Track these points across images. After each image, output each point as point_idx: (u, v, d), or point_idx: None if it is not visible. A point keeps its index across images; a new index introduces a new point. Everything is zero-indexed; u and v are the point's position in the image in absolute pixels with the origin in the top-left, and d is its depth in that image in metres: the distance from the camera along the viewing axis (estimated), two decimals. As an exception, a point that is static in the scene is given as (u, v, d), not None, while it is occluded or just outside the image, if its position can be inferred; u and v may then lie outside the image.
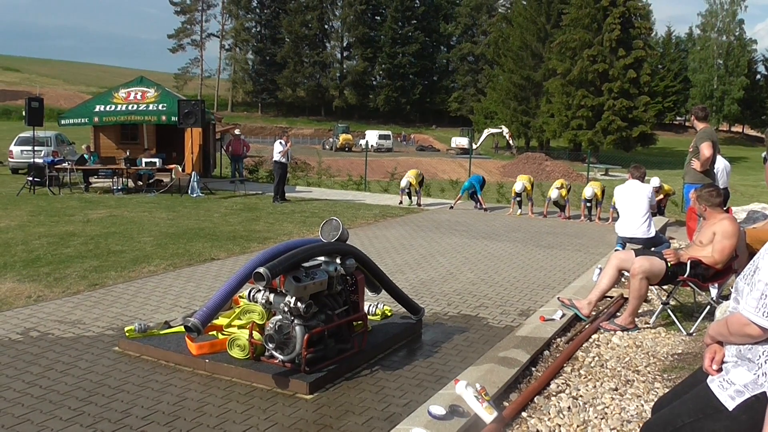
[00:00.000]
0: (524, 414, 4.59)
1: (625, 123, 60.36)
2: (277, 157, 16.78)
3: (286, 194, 17.19)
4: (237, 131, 23.80)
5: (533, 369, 5.49)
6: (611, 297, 7.52)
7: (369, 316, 6.18)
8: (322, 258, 5.65)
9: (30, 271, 8.36)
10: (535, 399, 4.84)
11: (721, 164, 9.86)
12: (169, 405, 4.69)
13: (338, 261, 5.68)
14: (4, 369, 5.24)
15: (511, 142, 67.20)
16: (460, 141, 66.03)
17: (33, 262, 8.89)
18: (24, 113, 18.00)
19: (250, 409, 4.67)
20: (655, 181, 10.86)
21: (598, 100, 61.12)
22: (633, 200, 9.06)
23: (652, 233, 9.02)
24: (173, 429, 4.31)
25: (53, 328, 6.29)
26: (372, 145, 55.44)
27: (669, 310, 6.69)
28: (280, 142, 16.78)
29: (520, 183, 15.49)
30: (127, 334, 5.84)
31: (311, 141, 71.32)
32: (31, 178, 17.07)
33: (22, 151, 21.88)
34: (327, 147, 61.66)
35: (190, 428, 4.34)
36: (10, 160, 22.80)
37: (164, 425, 4.38)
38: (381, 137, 65.36)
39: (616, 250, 8.88)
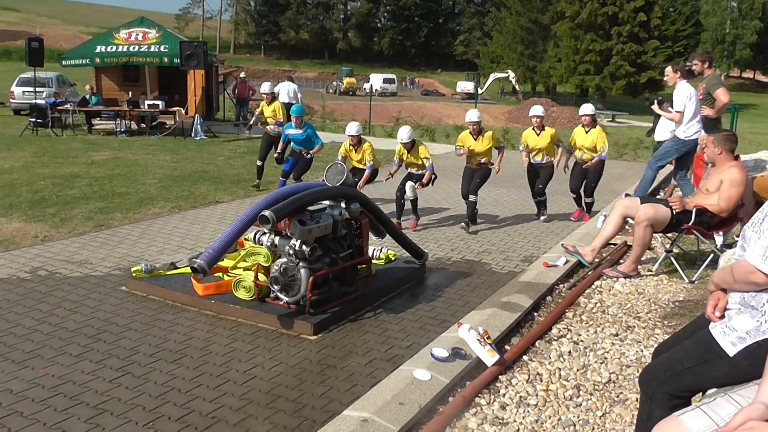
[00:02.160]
0: (525, 357, 4.66)
1: (634, 68, 59.38)
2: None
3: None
4: (242, 74, 23.50)
5: (535, 314, 5.55)
6: (615, 244, 7.54)
7: (373, 260, 6.22)
8: (327, 202, 5.65)
9: (36, 211, 8.39)
10: (537, 343, 4.91)
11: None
12: (176, 344, 4.77)
13: (343, 205, 5.68)
14: (13, 306, 5.32)
15: (517, 87, 66.31)
16: (466, 85, 65.17)
17: (38, 202, 8.91)
18: (25, 54, 17.76)
19: (255, 348, 4.75)
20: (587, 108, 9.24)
21: (606, 44, 59.94)
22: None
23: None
24: (180, 367, 4.40)
25: (61, 268, 6.36)
26: (376, 89, 54.76)
27: (672, 258, 6.72)
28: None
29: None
30: (133, 274, 5.91)
31: (315, 84, 70.45)
32: (33, 120, 16.96)
33: (23, 92, 21.67)
34: (331, 91, 60.95)
35: (196, 366, 4.43)
36: (11, 101, 22.61)
37: (171, 363, 4.46)
38: (385, 81, 64.50)
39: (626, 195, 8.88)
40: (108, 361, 4.44)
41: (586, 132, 8.89)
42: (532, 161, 9.11)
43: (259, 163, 10.69)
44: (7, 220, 7.93)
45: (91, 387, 4.08)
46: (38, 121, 16.91)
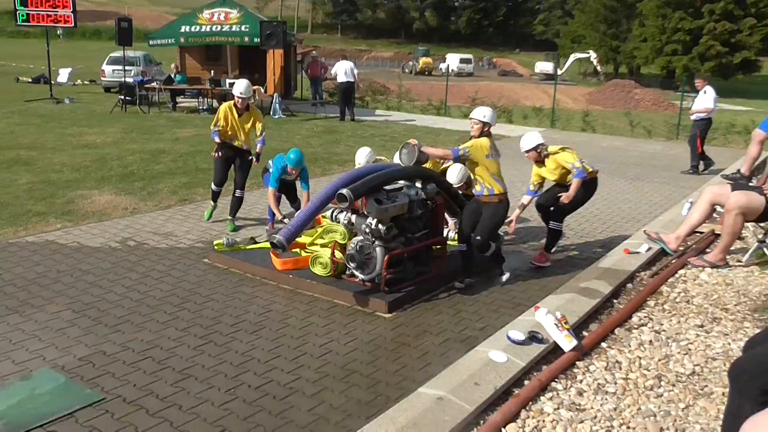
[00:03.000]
0: (604, 345, 4.55)
1: (726, 48, 56.25)
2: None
3: (364, 117, 17.20)
4: (314, 53, 23.73)
5: (615, 301, 5.40)
6: (701, 232, 7.23)
7: (448, 242, 6.20)
8: (403, 182, 5.66)
9: (125, 185, 8.78)
10: (616, 331, 4.78)
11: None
12: (255, 315, 4.92)
13: (419, 185, 5.68)
14: (105, 274, 5.61)
15: (598, 68, 64.11)
16: (545, 66, 63.55)
17: (128, 176, 9.32)
18: (114, 33, 18.49)
19: (331, 323, 4.84)
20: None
21: (697, 23, 56.96)
22: None
23: None
24: (259, 338, 4.54)
25: (148, 239, 6.65)
26: (453, 69, 54.15)
27: (765, 249, 6.39)
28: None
29: None
30: (216, 247, 6.11)
31: (390, 64, 70.36)
32: (122, 97, 17.69)
33: (113, 70, 22.62)
34: (407, 71, 60.73)
35: (274, 338, 4.55)
36: (102, 79, 23.65)
37: (251, 333, 4.61)
38: (462, 61, 63.68)
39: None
40: (192, 329, 4.63)
41: (541, 167, 6.38)
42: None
43: None
44: (100, 192, 8.34)
45: (177, 353, 4.27)
46: (127, 98, 17.62)
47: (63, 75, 25.77)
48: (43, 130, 13.25)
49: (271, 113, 17.15)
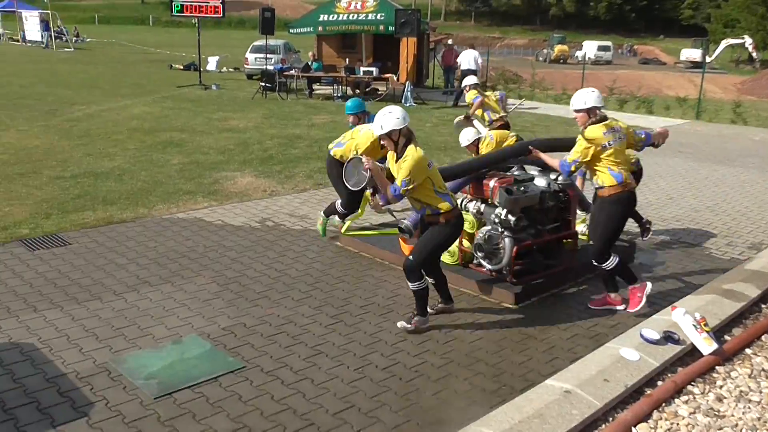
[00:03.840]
0: (749, 351, 4.28)
1: None
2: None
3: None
4: (449, 41, 23.66)
5: (762, 306, 5.04)
6: None
7: (580, 236, 6.04)
8: (535, 172, 5.59)
9: (265, 168, 9.27)
10: (763, 337, 4.47)
11: None
12: (383, 299, 5.07)
13: (552, 176, 5.57)
14: (246, 251, 5.99)
15: (754, 54, 59.06)
16: (692, 53, 59.40)
17: (267, 160, 9.83)
18: (258, 22, 19.45)
19: (457, 311, 4.88)
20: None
21: None
22: None
23: None
24: (387, 321, 4.67)
25: (285, 220, 7.01)
26: (589, 57, 51.93)
27: None
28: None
29: None
30: (342, 231, 6.31)
31: (524, 52, 68.70)
32: (263, 84, 18.59)
33: (255, 58, 23.79)
34: (540, 58, 59.01)
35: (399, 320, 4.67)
36: (245, 66, 24.94)
37: (379, 316, 4.76)
38: (600, 48, 60.90)
39: None
40: (324, 308, 4.85)
41: None
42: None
43: None
44: (242, 174, 8.87)
45: (310, 330, 4.50)
46: (267, 85, 18.49)
47: (212, 63, 27.42)
48: (193, 114, 14.23)
49: (403, 101, 17.36)
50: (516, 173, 5.56)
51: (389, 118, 4.36)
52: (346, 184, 4.89)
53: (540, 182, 5.47)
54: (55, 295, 4.89)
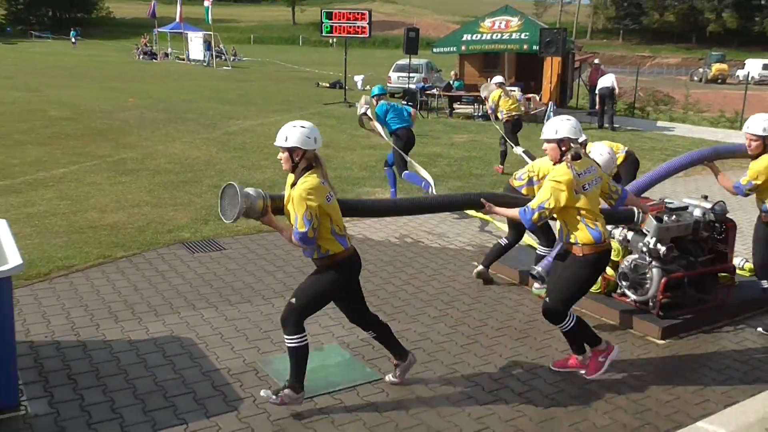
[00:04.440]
0: None
1: None
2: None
3: (642, 129, 16.24)
4: (596, 61, 22.94)
5: None
6: None
7: (737, 270, 5.63)
8: (691, 201, 5.30)
9: (405, 184, 9.44)
10: None
11: None
12: (520, 323, 5.00)
13: (707, 205, 5.25)
14: (385, 266, 6.15)
15: None
16: None
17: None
18: (402, 42, 19.96)
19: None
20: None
21: None
22: None
23: None
24: (524, 345, 4.61)
25: (423, 237, 7.11)
26: (753, 77, 48.09)
27: None
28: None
29: None
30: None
31: (676, 71, 65.00)
32: (405, 102, 19.01)
33: (398, 77, 24.40)
34: (696, 78, 55.60)
35: (539, 347, 4.59)
36: (388, 85, 25.64)
37: (515, 340, 4.70)
38: (766, 67, 56.42)
39: None
40: (460, 328, 4.87)
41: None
42: None
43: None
44: (383, 190, 9.11)
45: (445, 348, 4.53)
46: (409, 104, 18.88)
47: (358, 81, 28.42)
48: (337, 131, 14.81)
49: (545, 121, 17.05)
50: (668, 201, 5.30)
51: (296, 131, 3.58)
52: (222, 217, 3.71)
53: (695, 211, 5.18)
54: (211, 295, 5.28)
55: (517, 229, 5.60)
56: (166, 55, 44.15)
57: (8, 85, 21.54)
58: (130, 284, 5.42)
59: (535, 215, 3.89)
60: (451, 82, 20.25)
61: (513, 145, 10.48)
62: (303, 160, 3.59)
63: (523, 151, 9.92)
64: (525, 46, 18.71)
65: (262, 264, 6.05)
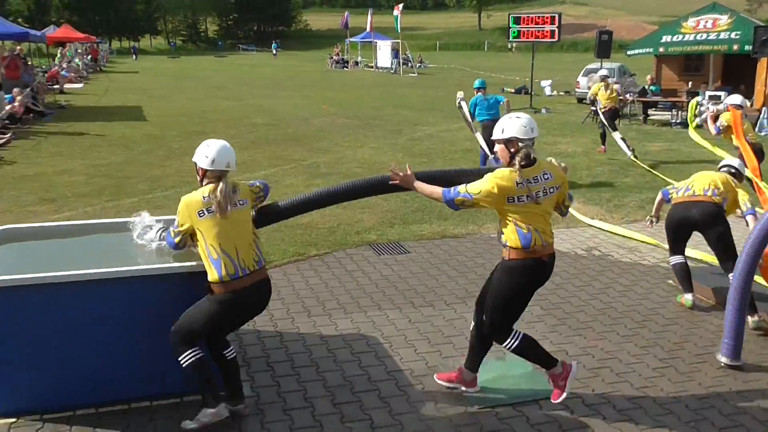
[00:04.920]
0: None
1: None
2: None
3: None
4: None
5: None
6: None
7: None
8: None
9: (593, 194, 9.06)
10: None
11: None
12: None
13: None
14: (571, 279, 5.94)
15: None
16: None
17: (596, 186, 9.60)
18: (594, 45, 19.16)
19: (818, 378, 4.18)
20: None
21: None
22: None
23: None
24: (727, 376, 4.21)
25: (613, 251, 6.76)
26: None
27: None
28: None
29: None
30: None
31: None
32: (594, 108, 18.22)
33: (587, 82, 23.47)
34: None
35: (745, 380, 4.16)
36: (576, 90, 24.72)
37: (717, 369, 4.30)
38: None
39: None
40: (652, 350, 4.56)
41: None
42: None
43: None
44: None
45: (636, 369, 4.27)
46: (595, 111, 18.08)
47: (546, 87, 27.76)
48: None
49: (757, 129, 15.43)
50: None
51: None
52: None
53: None
54: (396, 297, 5.44)
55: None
56: (356, 63, 46.36)
57: (220, 95, 23.91)
58: (322, 281, 5.75)
59: (459, 198, 3.56)
60: (647, 86, 19.06)
61: (611, 130, 12.16)
62: (205, 178, 3.56)
63: (621, 138, 11.92)
64: (735, 47, 17.09)
65: (445, 269, 6.12)
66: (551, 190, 3.58)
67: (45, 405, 3.61)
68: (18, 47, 19.98)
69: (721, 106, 8.73)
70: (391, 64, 40.80)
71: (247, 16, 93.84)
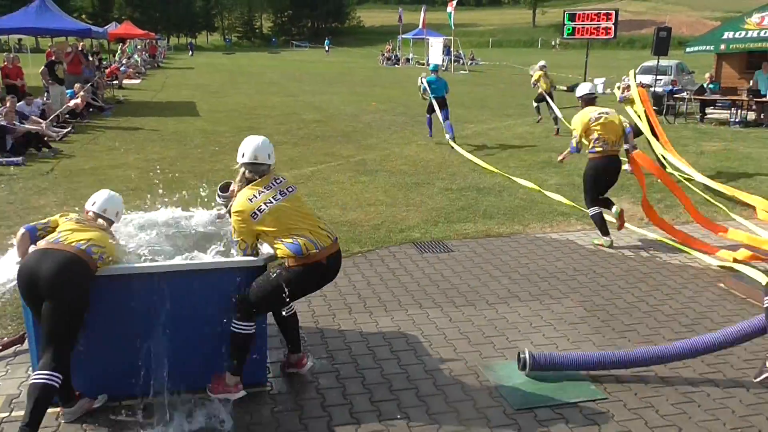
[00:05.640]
0: None
1: None
2: None
3: None
4: None
5: None
6: None
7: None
8: None
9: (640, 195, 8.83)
10: None
11: None
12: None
13: None
14: (617, 280, 5.83)
15: None
16: None
17: (648, 187, 9.33)
18: (652, 42, 18.66)
19: None
20: None
21: None
22: None
23: None
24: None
25: (661, 252, 6.60)
26: None
27: None
28: None
29: None
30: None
31: None
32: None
33: (644, 79, 22.88)
34: None
35: (798, 389, 4.02)
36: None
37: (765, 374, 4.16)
38: None
39: None
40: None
41: None
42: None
43: None
44: (618, 200, 8.61)
45: (681, 374, 4.19)
46: (655, 108, 17.60)
47: (599, 84, 27.23)
48: (569, 136, 14.31)
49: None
50: None
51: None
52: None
53: None
54: (437, 296, 5.44)
55: None
56: (408, 60, 46.32)
57: (272, 91, 24.25)
58: (364, 279, 5.79)
59: (239, 250, 3.75)
60: (705, 84, 18.47)
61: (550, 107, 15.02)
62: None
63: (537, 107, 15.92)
64: (800, 43, 16.45)
65: (488, 268, 6.08)
66: (283, 193, 3.77)
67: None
68: (81, 43, 20.67)
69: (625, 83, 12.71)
70: (442, 61, 40.60)
71: (302, 13, 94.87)
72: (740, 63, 19.73)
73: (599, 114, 6.83)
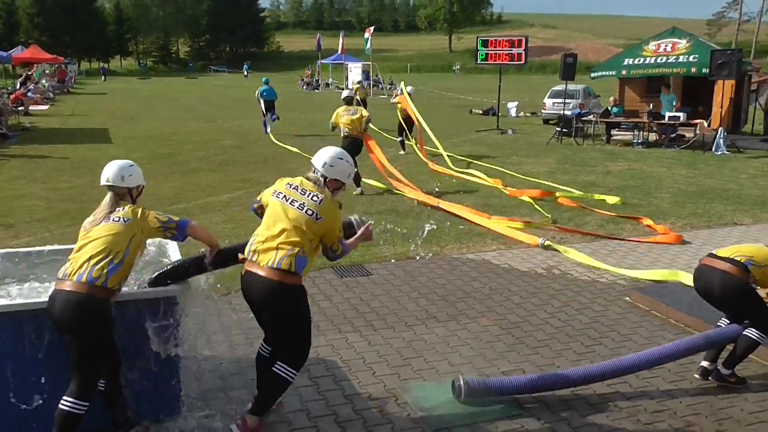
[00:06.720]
0: None
1: None
2: None
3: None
4: (776, 82, 21.00)
5: None
6: None
7: None
8: None
9: (554, 215, 9.19)
10: None
11: None
12: (675, 364, 4.64)
13: None
14: (530, 297, 6.02)
15: None
16: None
17: (558, 206, 9.75)
18: (559, 68, 19.53)
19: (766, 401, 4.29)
20: None
21: None
22: None
23: None
24: (678, 389, 4.30)
25: (572, 269, 6.87)
26: None
27: None
28: None
29: None
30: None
31: None
32: (559, 129, 18.55)
33: (553, 103, 23.85)
34: None
35: (695, 394, 4.25)
36: (543, 111, 25.17)
37: (669, 383, 4.39)
38: None
39: None
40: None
41: None
42: None
43: None
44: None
45: (591, 386, 4.33)
46: (563, 130, 18.39)
47: (512, 108, 28.18)
48: (489, 159, 14.76)
49: (714, 149, 15.85)
50: None
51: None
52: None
53: None
54: (356, 319, 5.46)
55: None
56: (327, 85, 46.59)
57: (190, 117, 23.82)
58: (283, 304, 5.72)
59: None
60: (610, 108, 19.46)
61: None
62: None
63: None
64: (693, 69, 17.63)
65: (406, 290, 6.16)
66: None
67: None
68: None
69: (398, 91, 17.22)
70: (363, 85, 41.02)
71: (219, 37, 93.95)
72: (641, 87, 20.95)
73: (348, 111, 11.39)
